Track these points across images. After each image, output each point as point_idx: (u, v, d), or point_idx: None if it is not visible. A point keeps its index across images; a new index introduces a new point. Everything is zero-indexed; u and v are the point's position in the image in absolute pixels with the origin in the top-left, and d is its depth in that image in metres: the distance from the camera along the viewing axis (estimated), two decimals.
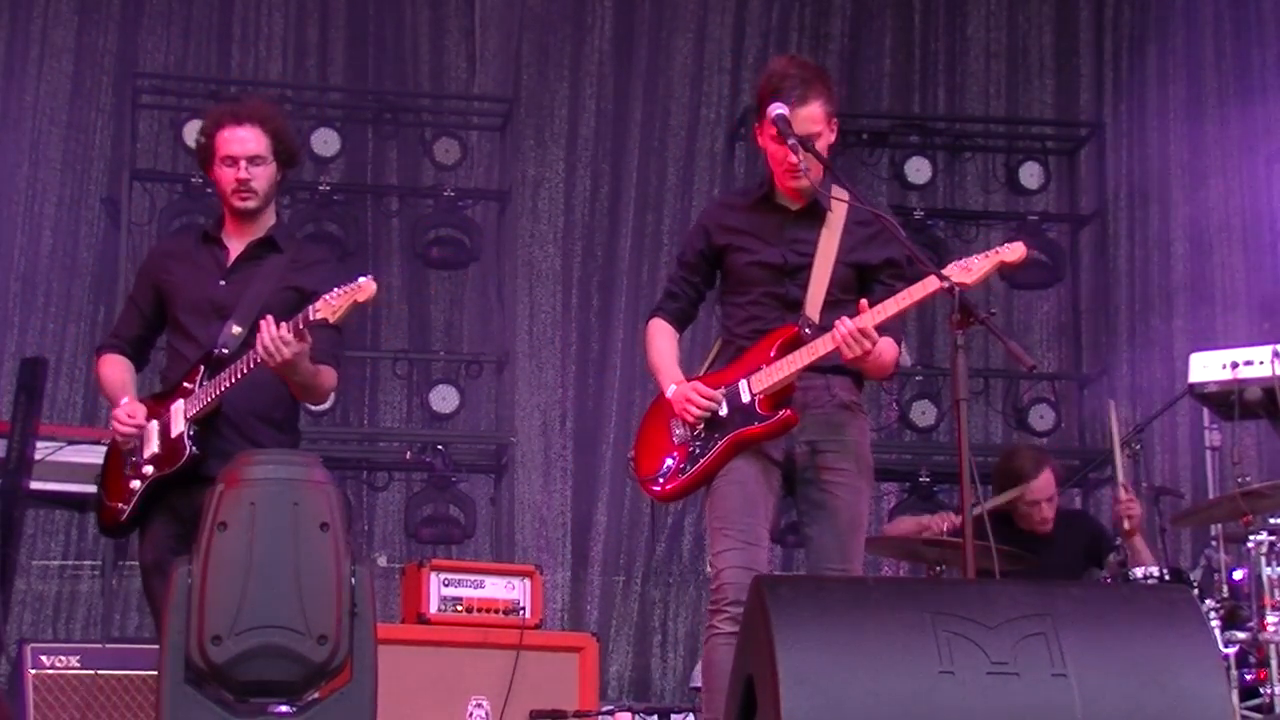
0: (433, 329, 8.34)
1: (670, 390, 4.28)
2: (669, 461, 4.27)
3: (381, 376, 8.23)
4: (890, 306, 4.07)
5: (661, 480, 4.29)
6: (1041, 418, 8.21)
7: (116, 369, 4.53)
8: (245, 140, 4.39)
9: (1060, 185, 8.72)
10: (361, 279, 4.13)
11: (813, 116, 4.19)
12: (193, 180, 7.50)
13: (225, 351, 4.27)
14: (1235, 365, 5.66)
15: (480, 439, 8.11)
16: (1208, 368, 5.77)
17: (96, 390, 7.84)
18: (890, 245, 4.30)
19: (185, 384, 4.31)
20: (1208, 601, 5.31)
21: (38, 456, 5.68)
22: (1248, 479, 5.43)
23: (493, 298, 8.24)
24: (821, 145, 4.21)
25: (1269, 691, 5.09)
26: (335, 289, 4.13)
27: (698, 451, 4.23)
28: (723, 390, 4.23)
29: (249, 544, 3.62)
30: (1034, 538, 6.24)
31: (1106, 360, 8.48)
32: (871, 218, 4.30)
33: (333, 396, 7.48)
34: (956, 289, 3.92)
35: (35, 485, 5.70)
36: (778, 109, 4.18)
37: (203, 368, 4.28)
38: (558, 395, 8.32)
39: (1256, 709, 5.18)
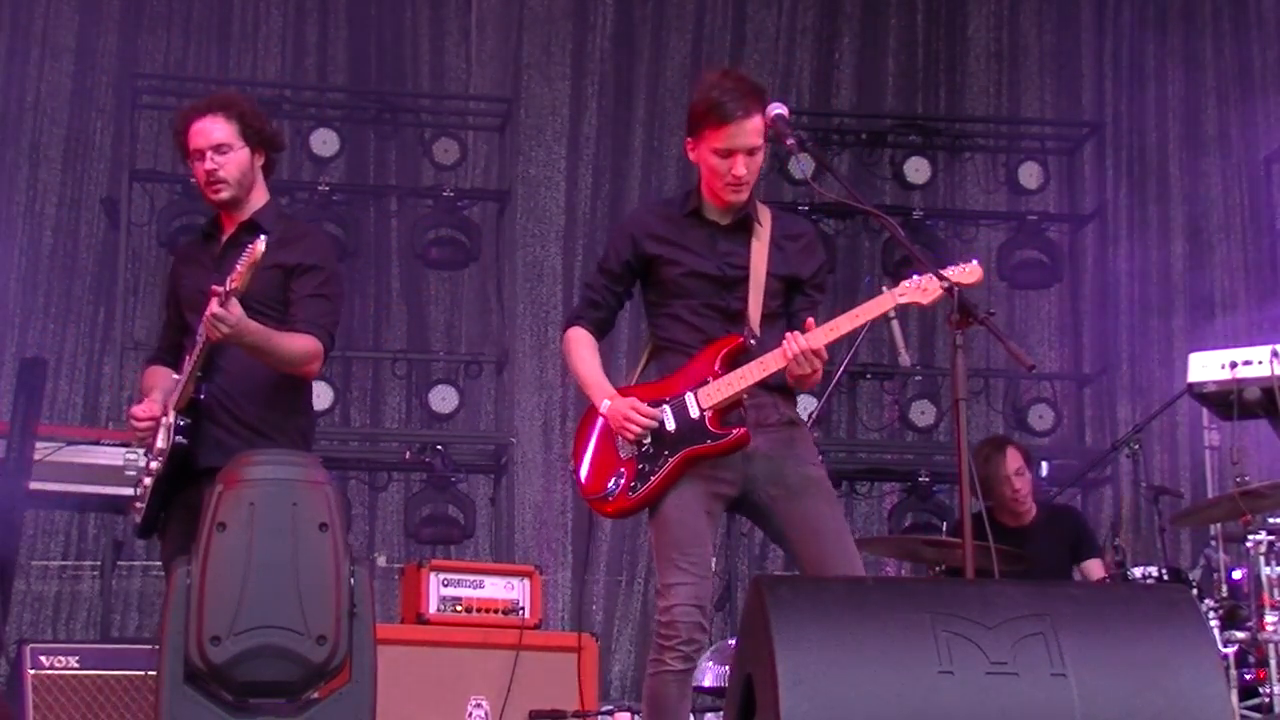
0: (432, 329, 8.34)
1: (604, 405, 4.20)
2: (615, 479, 4.18)
3: (381, 376, 8.22)
4: (843, 325, 4.06)
5: (610, 498, 4.19)
6: (1041, 417, 8.21)
7: (150, 375, 4.49)
8: (209, 131, 4.32)
9: (1060, 185, 8.73)
10: (256, 243, 4.03)
11: (756, 129, 4.13)
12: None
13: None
14: (1234, 365, 5.66)
15: (480, 439, 8.11)
16: (1207, 367, 5.77)
17: (96, 390, 7.89)
18: (815, 257, 4.33)
19: (177, 376, 4.28)
20: (1207, 601, 5.31)
21: (38, 456, 5.67)
22: (1247, 479, 5.43)
23: (492, 298, 8.25)
24: (759, 159, 4.19)
25: (1268, 691, 5.10)
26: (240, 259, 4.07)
27: (647, 469, 4.14)
28: (667, 402, 4.17)
29: (248, 544, 3.62)
30: (1016, 531, 6.24)
31: (1106, 360, 8.49)
32: (800, 231, 4.34)
33: (332, 394, 7.64)
34: (955, 289, 3.90)
35: (35, 485, 5.70)
36: (777, 108, 4.17)
37: (188, 358, 4.24)
38: (558, 395, 8.32)
39: (1256, 709, 5.18)
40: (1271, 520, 5.29)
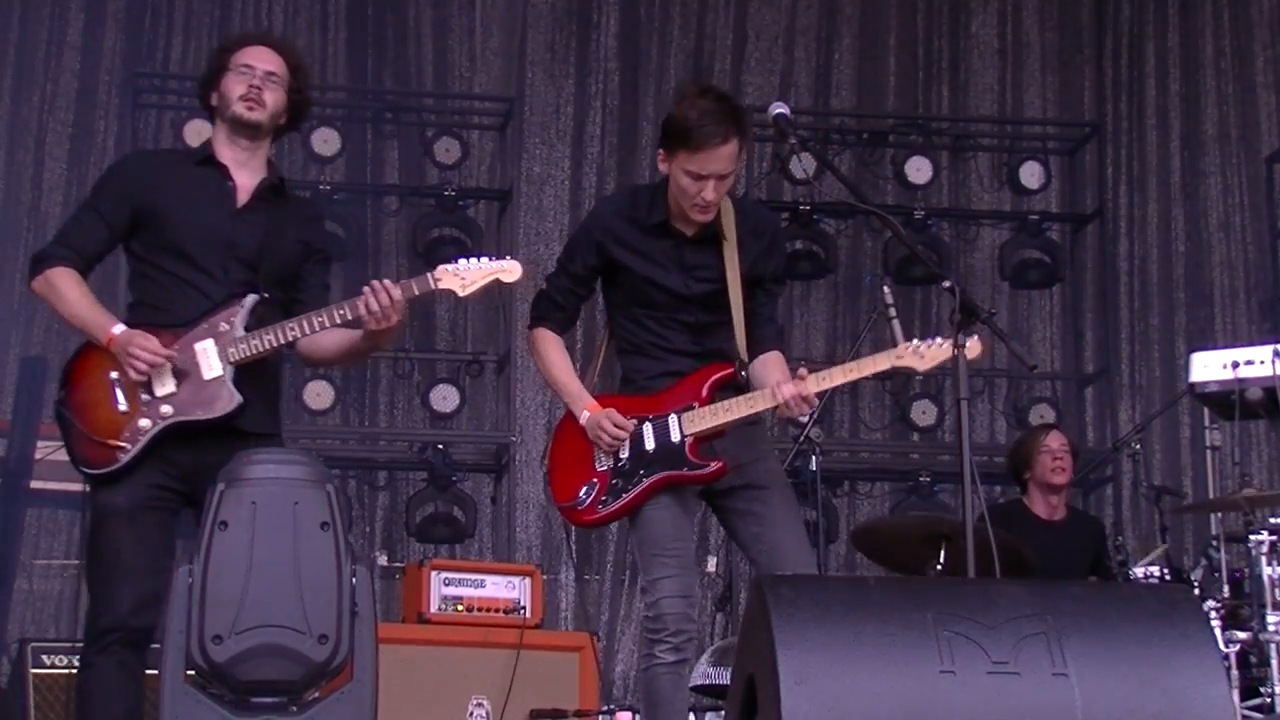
0: (437, 329, 8.33)
1: (584, 416, 4.22)
2: (587, 489, 4.20)
3: (382, 376, 8.22)
4: (836, 376, 4.15)
5: (579, 508, 4.22)
6: (1042, 417, 8.21)
7: (81, 287, 4.11)
8: (268, 57, 4.17)
9: (1061, 184, 8.72)
10: (506, 260, 3.95)
11: (731, 155, 4.09)
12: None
13: (266, 296, 4.06)
14: (1236, 365, 5.66)
15: (481, 439, 8.10)
16: (1208, 367, 5.78)
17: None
18: (777, 254, 4.39)
19: (219, 325, 4.01)
20: (1208, 601, 5.31)
21: (38, 456, 5.67)
22: (1248, 479, 5.43)
23: (495, 297, 8.23)
24: (730, 181, 4.16)
25: (1269, 691, 5.09)
26: (469, 259, 3.96)
27: (620, 485, 4.17)
28: (650, 420, 4.19)
29: (250, 543, 3.62)
30: (1047, 526, 6.31)
31: (1107, 360, 8.49)
32: (763, 228, 4.34)
33: (332, 394, 7.63)
34: (957, 288, 3.91)
35: (35, 485, 5.70)
36: (778, 107, 4.17)
37: (239, 309, 4.02)
38: None
39: (1257, 709, 5.18)
40: (1273, 520, 5.28)
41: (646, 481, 4.15)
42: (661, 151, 4.18)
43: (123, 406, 3.99)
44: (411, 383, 8.15)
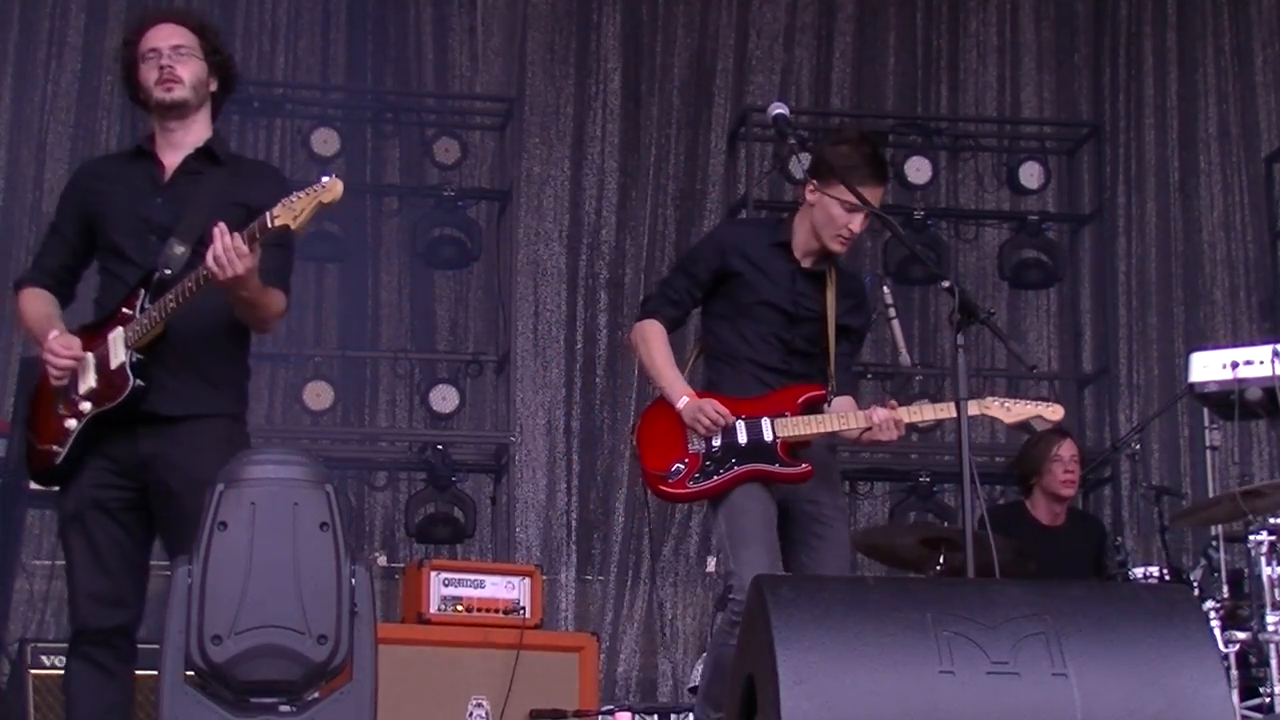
0: (437, 329, 8.33)
1: (683, 401, 4.43)
2: (679, 466, 4.42)
3: (382, 376, 8.22)
4: (927, 413, 4.52)
5: (670, 481, 4.44)
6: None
7: (39, 302, 4.13)
8: (168, 34, 4.06)
9: (1060, 184, 8.72)
10: (325, 178, 3.83)
11: (879, 199, 4.49)
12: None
13: (169, 272, 3.93)
14: (1235, 365, 5.66)
15: (480, 439, 8.10)
16: (1208, 367, 5.77)
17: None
18: (864, 314, 4.74)
19: (124, 310, 3.97)
20: (1207, 601, 5.31)
21: None
22: (1248, 479, 5.43)
23: (495, 297, 8.24)
24: (861, 228, 4.52)
25: (1268, 691, 5.09)
26: (297, 192, 3.80)
27: (711, 468, 4.40)
28: (742, 419, 4.41)
29: (249, 543, 3.62)
30: (1049, 531, 6.31)
31: (1106, 360, 8.49)
32: (856, 290, 4.69)
33: (332, 394, 7.62)
34: (956, 288, 3.95)
35: (35, 485, 5.69)
36: (778, 108, 4.26)
37: (143, 291, 3.95)
38: (562, 394, 8.31)
39: (1257, 709, 5.18)
40: (1272, 520, 5.28)
41: (738, 469, 4.37)
42: (815, 182, 4.49)
43: (61, 411, 4.01)
44: (411, 383, 8.14)
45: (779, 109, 4.28)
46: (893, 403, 4.46)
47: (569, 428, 8.27)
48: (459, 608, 5.89)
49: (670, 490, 4.46)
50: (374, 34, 8.43)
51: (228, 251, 3.75)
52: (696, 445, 4.43)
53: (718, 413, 4.39)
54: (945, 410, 4.45)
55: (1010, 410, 4.44)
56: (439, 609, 5.87)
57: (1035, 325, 8.70)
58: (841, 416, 4.42)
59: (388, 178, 8.36)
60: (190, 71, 4.08)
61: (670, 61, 8.67)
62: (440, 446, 7.70)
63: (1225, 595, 5.51)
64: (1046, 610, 2.82)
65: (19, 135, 7.99)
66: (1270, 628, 5.11)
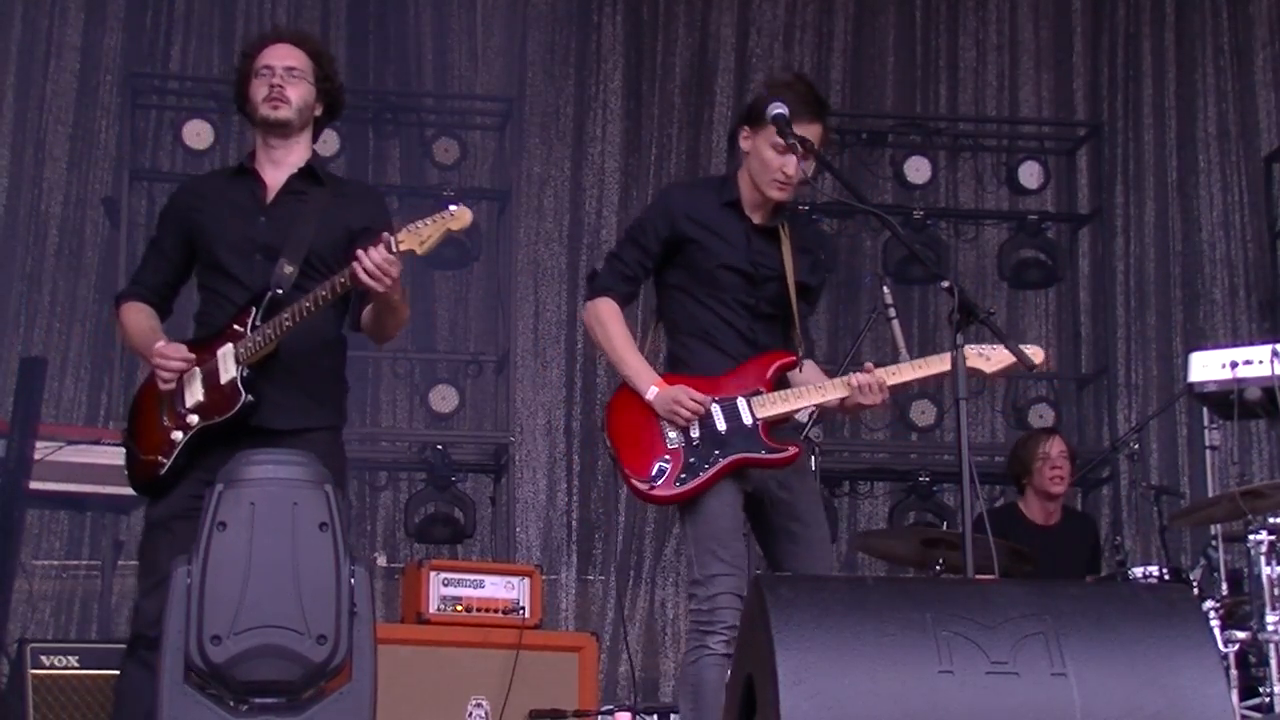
0: (438, 329, 8.33)
1: (652, 392, 4.19)
2: (662, 465, 4.18)
3: (382, 376, 8.22)
4: (905, 373, 4.20)
5: (656, 484, 4.19)
6: (1041, 417, 8.21)
7: (142, 316, 4.25)
8: (285, 54, 4.19)
9: (1059, 184, 8.72)
10: (453, 206, 3.90)
11: (815, 135, 4.25)
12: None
13: (280, 291, 4.05)
14: (1235, 365, 5.66)
15: (480, 439, 8.10)
16: (1207, 367, 5.77)
17: (99, 390, 7.86)
18: (820, 270, 4.50)
19: (235, 327, 4.08)
20: (1207, 601, 5.31)
21: (38, 456, 5.67)
22: (1248, 478, 5.43)
23: (494, 297, 8.24)
24: (807, 167, 4.25)
25: (1268, 691, 5.09)
26: (424, 219, 3.91)
27: (696, 463, 4.16)
28: (715, 401, 4.18)
29: (248, 544, 3.62)
30: (1043, 531, 6.31)
31: (1106, 359, 8.49)
32: (810, 243, 4.51)
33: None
34: (956, 288, 3.92)
35: (35, 485, 5.69)
36: (777, 108, 4.19)
37: (254, 309, 4.06)
38: (562, 394, 8.32)
39: (1256, 709, 5.18)
40: (1272, 520, 5.28)
41: (724, 461, 4.15)
42: (746, 129, 4.31)
43: (165, 423, 4.11)
44: (411, 383, 8.15)
45: (778, 109, 4.23)
46: (868, 365, 4.19)
47: (569, 428, 8.27)
48: (458, 608, 5.89)
49: (657, 493, 4.20)
50: (374, 34, 8.43)
51: (379, 267, 3.86)
52: (675, 439, 4.17)
53: (694, 400, 4.14)
54: (925, 367, 4.19)
55: (990, 359, 4.17)
56: (438, 609, 5.87)
57: (1034, 325, 8.70)
58: (819, 387, 4.19)
59: (388, 178, 8.36)
60: (299, 94, 4.19)
61: (671, 61, 8.67)
62: (440, 446, 7.70)
63: (1225, 595, 5.51)
64: (1046, 610, 2.82)
65: (20, 134, 8.00)
66: (1270, 627, 5.11)
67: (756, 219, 4.33)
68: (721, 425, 4.17)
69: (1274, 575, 5.16)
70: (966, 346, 4.07)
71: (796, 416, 4.33)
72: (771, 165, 4.24)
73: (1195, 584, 5.62)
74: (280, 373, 4.08)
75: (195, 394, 4.08)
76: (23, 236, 7.90)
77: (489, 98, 8.50)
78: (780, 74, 4.62)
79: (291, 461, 3.78)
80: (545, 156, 8.51)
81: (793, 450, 4.19)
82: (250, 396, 4.03)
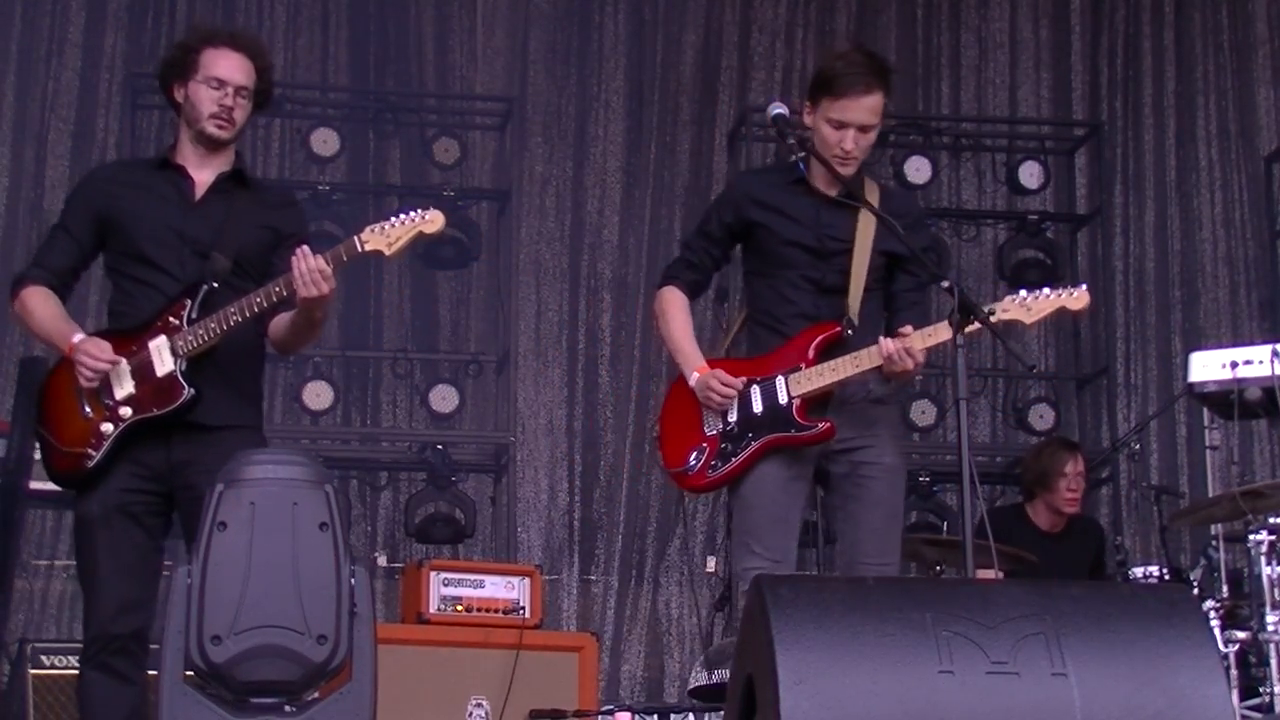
0: (440, 329, 8.33)
1: (693, 378, 4.18)
2: (697, 454, 4.17)
3: (382, 376, 8.22)
4: (941, 333, 4.07)
5: (690, 472, 4.19)
6: (1041, 417, 8.21)
7: (49, 302, 4.16)
8: (238, 69, 4.15)
9: (1059, 184, 8.72)
10: (426, 211, 3.92)
11: (872, 108, 4.17)
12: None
13: (215, 285, 4.03)
14: (1235, 365, 5.66)
15: (481, 439, 8.10)
16: (1207, 367, 5.77)
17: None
18: (920, 235, 4.35)
19: (169, 319, 4.04)
20: (1207, 601, 5.31)
21: (37, 456, 5.66)
22: (1248, 478, 5.43)
23: (495, 296, 8.23)
24: (872, 137, 4.22)
25: (1268, 691, 5.09)
26: (392, 218, 3.92)
27: (729, 449, 4.14)
28: (757, 383, 4.15)
29: (248, 544, 3.62)
30: (1049, 535, 6.32)
31: (1106, 359, 8.49)
32: (907, 210, 4.35)
33: (332, 394, 7.62)
34: (956, 288, 3.91)
35: (35, 485, 5.69)
36: (777, 108, 4.19)
37: (189, 302, 4.03)
38: (564, 394, 8.31)
39: (1256, 709, 5.18)
40: (1272, 520, 5.28)
41: (755, 445, 4.10)
42: (808, 104, 4.24)
43: (88, 414, 4.04)
44: (412, 383, 8.14)
45: (778, 109, 4.21)
46: (907, 328, 4.07)
47: (571, 427, 8.27)
48: (459, 608, 5.89)
49: (693, 481, 4.19)
50: (374, 33, 8.42)
51: (311, 272, 3.86)
52: (713, 425, 4.17)
53: (724, 384, 4.12)
54: (941, 332, 4.06)
55: (1031, 309, 4.13)
56: (439, 609, 5.87)
57: (1034, 325, 8.67)
58: (855, 358, 4.06)
59: (388, 178, 8.36)
60: (243, 114, 4.20)
61: (673, 59, 8.66)
62: (440, 446, 7.70)
63: (1225, 595, 5.51)
64: (1046, 610, 2.82)
65: (20, 133, 8.00)
66: (1270, 627, 5.11)
67: (830, 192, 4.24)
68: (758, 406, 4.13)
69: (1274, 575, 5.16)
70: (1008, 297, 4.10)
71: (870, 386, 4.19)
72: (830, 142, 4.17)
73: (1195, 584, 5.62)
74: (211, 369, 4.05)
75: (125, 386, 4.03)
76: (23, 235, 7.89)
77: (489, 97, 8.50)
78: (837, 46, 4.52)
79: (291, 461, 3.78)
80: (547, 156, 8.51)
81: (825, 426, 4.09)
82: (193, 390, 4.00)
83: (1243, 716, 5.15)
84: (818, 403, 4.14)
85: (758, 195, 4.29)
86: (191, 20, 7.82)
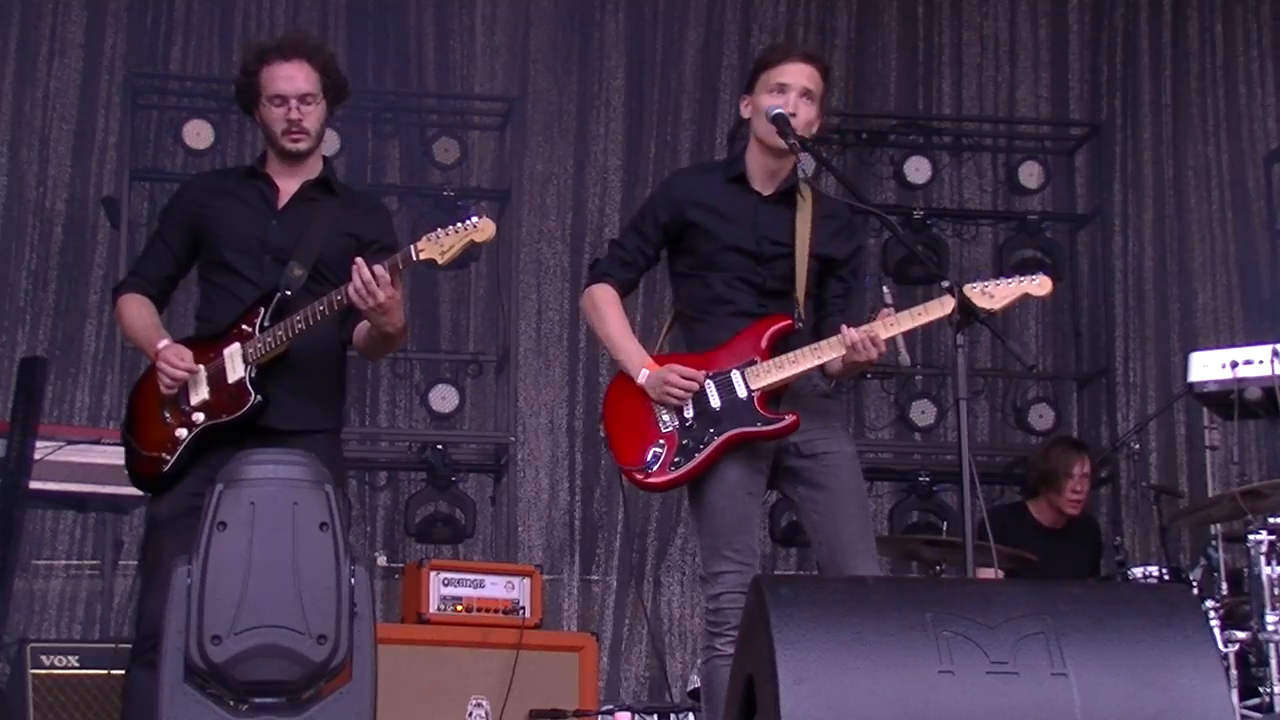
0: (441, 328, 8.33)
1: (643, 375, 4.08)
2: (656, 450, 4.06)
3: (382, 376, 8.22)
4: (904, 321, 4.01)
5: (651, 471, 4.07)
6: (1041, 417, 8.22)
7: (143, 309, 4.26)
8: (294, 77, 4.19)
9: (1058, 184, 8.72)
10: (475, 218, 3.93)
11: (805, 73, 4.12)
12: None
13: (289, 293, 4.09)
14: (1235, 365, 5.66)
15: (481, 439, 8.10)
16: (1207, 367, 5.78)
17: (102, 390, 7.85)
18: (852, 240, 4.28)
19: (242, 327, 4.11)
20: (1207, 601, 5.31)
21: (38, 456, 5.67)
22: (1247, 478, 5.44)
23: (495, 296, 8.23)
24: (813, 113, 4.15)
25: (1268, 691, 5.10)
26: (446, 227, 3.93)
27: (690, 445, 4.03)
28: (710, 377, 4.06)
29: (249, 544, 3.62)
30: (1051, 532, 6.33)
31: (1104, 359, 8.49)
32: (839, 212, 4.26)
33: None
34: (956, 288, 3.89)
35: (35, 485, 5.69)
36: (776, 109, 4.15)
37: (263, 309, 4.10)
38: (565, 393, 8.31)
39: (1256, 709, 5.18)
40: (1272, 520, 5.29)
41: (719, 439, 4.01)
42: (745, 97, 4.21)
43: (167, 419, 4.14)
44: (412, 383, 8.15)
45: (778, 109, 4.20)
46: (879, 314, 4.01)
47: (571, 427, 8.27)
48: (458, 608, 5.89)
49: (653, 480, 4.06)
50: (373, 33, 8.42)
51: (367, 284, 3.89)
52: (669, 422, 4.04)
53: (685, 378, 4.01)
54: (924, 314, 3.99)
55: (994, 295, 4.00)
56: (438, 609, 5.87)
57: (1032, 325, 8.70)
58: (815, 349, 4.00)
59: (388, 178, 8.36)
60: (315, 119, 4.24)
61: (673, 59, 8.66)
62: (440, 446, 7.70)
63: (1225, 595, 5.52)
64: (1046, 610, 2.82)
65: (21, 133, 8.00)
66: (1270, 627, 5.11)
67: (768, 191, 4.19)
68: (716, 401, 4.04)
69: (1274, 575, 5.17)
70: (968, 285, 3.98)
71: (815, 381, 4.15)
72: (771, 114, 4.07)
73: (1195, 584, 5.62)
74: (286, 374, 4.12)
75: (200, 392, 4.11)
76: (25, 235, 7.90)
77: (490, 97, 8.50)
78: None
79: (292, 461, 3.78)
80: (548, 155, 8.51)
81: (790, 419, 4.02)
82: (259, 397, 4.07)
83: (1243, 716, 5.16)
84: (773, 396, 4.07)
85: (697, 195, 4.21)
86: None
